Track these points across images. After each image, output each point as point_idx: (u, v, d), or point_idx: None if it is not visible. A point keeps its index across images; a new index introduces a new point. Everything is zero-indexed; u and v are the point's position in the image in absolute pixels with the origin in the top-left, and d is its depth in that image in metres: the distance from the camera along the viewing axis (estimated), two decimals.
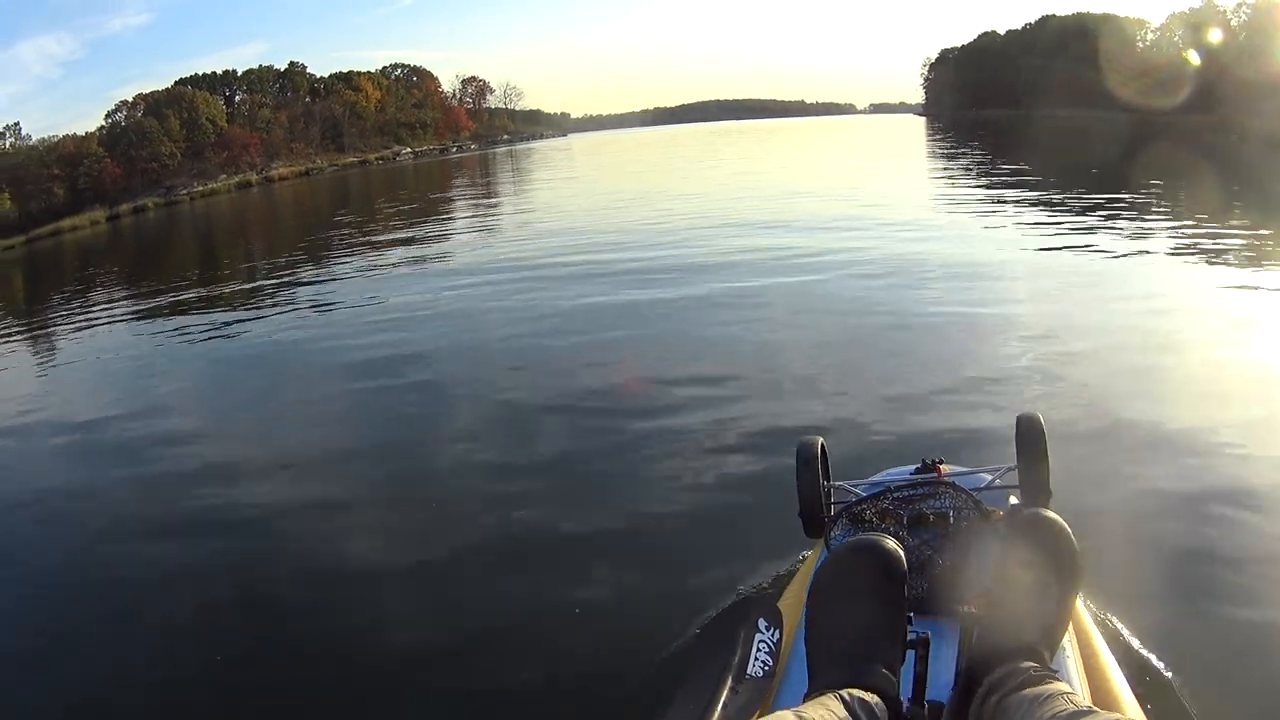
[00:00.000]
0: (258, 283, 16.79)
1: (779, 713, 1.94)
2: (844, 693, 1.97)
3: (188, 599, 5.17)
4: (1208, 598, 4.14)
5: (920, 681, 2.18)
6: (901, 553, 2.22)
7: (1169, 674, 3.52)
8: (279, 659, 4.52)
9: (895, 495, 3.15)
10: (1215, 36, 57.10)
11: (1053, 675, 2.02)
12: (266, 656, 4.55)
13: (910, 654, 2.18)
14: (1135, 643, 3.69)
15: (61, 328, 16.31)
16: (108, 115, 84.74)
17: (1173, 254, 12.87)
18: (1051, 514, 2.31)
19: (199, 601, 5.13)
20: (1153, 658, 3.62)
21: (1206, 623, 3.95)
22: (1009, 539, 2.30)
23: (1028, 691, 1.94)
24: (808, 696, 2.05)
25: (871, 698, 1.99)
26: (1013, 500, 3.40)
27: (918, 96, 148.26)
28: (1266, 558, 4.44)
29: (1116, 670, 2.67)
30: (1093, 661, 2.64)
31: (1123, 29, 75.44)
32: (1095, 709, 1.80)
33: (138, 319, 15.43)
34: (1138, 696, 2.62)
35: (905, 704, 2.12)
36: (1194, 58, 56.90)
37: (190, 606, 5.09)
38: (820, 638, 2.18)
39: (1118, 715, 1.76)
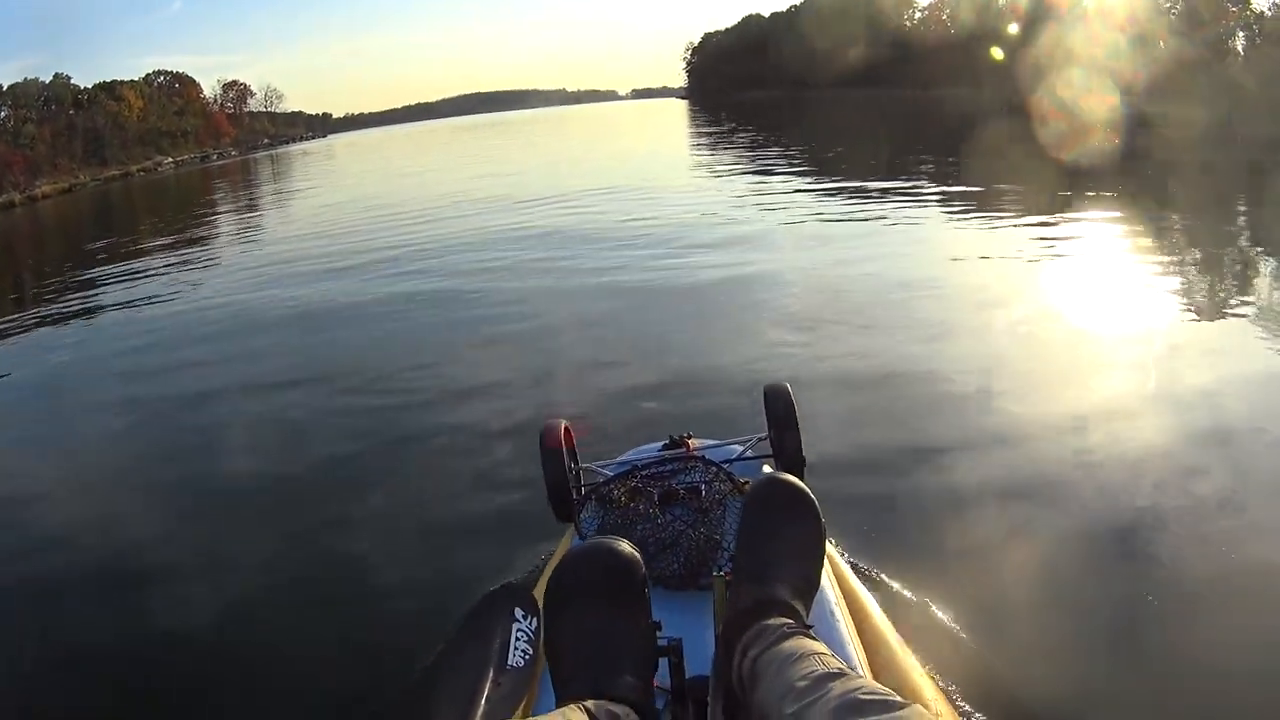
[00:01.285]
0: (18, 317, 15.53)
1: None
2: (589, 704, 1.86)
3: None
4: (966, 543, 4.42)
5: (678, 687, 2.15)
6: (638, 555, 2.12)
7: (940, 616, 3.74)
8: (70, 676, 4.35)
9: (644, 473, 3.23)
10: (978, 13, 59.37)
11: (805, 631, 2.01)
12: (63, 684, 4.31)
13: (663, 661, 2.12)
14: (902, 590, 3.92)
15: None
16: None
17: (937, 221, 14.04)
18: (785, 475, 2.36)
19: None
20: (922, 602, 3.84)
21: (966, 566, 4.20)
22: (748, 504, 2.34)
23: (781, 647, 1.92)
24: (557, 705, 1.92)
25: (620, 708, 1.90)
26: (766, 469, 3.38)
27: (680, 80, 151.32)
28: (1008, 493, 4.84)
29: (885, 621, 2.83)
30: (860, 614, 2.76)
31: (887, 7, 77.96)
32: (845, 670, 1.78)
33: None
34: (910, 644, 2.78)
35: (663, 699, 2.13)
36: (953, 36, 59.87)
37: None
38: (560, 651, 2.07)
39: (862, 680, 1.73)
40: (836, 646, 2.30)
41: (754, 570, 2.19)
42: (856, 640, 2.51)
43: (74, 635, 4.72)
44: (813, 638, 1.98)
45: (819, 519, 2.28)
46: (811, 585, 2.23)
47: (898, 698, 1.58)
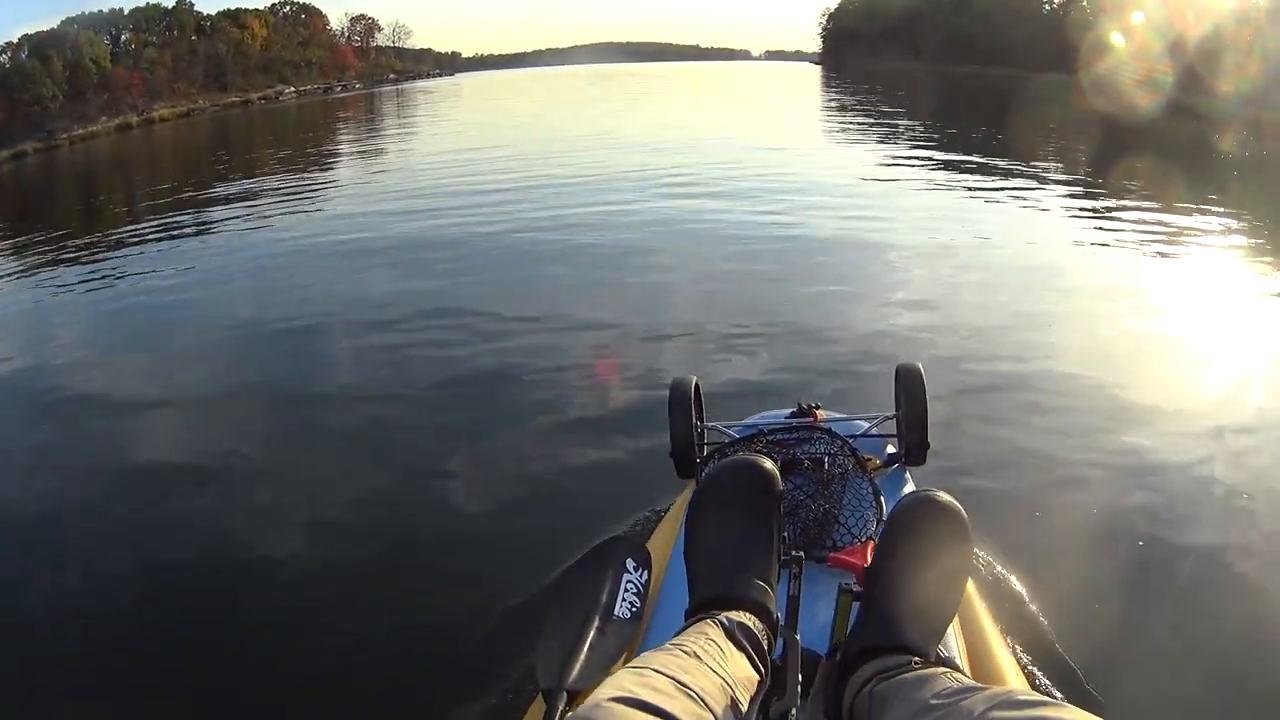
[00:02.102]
0: (136, 235, 16.14)
1: (655, 650, 1.83)
2: (722, 617, 1.94)
3: (68, 568, 4.95)
4: (1077, 546, 4.31)
5: (794, 602, 2.08)
6: (777, 472, 2.20)
7: (1041, 621, 3.65)
8: (166, 625, 4.34)
9: (769, 438, 3.19)
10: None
11: (936, 666, 1.90)
12: (152, 622, 4.37)
13: (785, 572, 2.14)
14: (1007, 586, 3.85)
15: None
16: None
17: (1060, 208, 13.60)
18: (943, 496, 2.18)
19: (80, 570, 4.90)
20: (1022, 600, 3.77)
21: (1075, 569, 4.08)
22: (896, 520, 2.17)
23: (908, 676, 1.83)
24: (687, 615, 2.05)
25: (749, 619, 1.97)
26: (890, 449, 3.36)
27: (814, 45, 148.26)
28: (1135, 506, 4.64)
29: (989, 618, 2.72)
30: (965, 607, 2.57)
31: None
32: (983, 685, 1.70)
33: (18, 273, 14.41)
34: (1010, 644, 2.76)
35: (780, 621, 2.07)
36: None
37: (70, 575, 4.87)
38: (698, 550, 2.16)
39: (1005, 688, 1.71)
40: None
41: (891, 600, 2.06)
42: (957, 629, 2.44)
43: (162, 569, 4.80)
44: (940, 669, 1.88)
45: (970, 554, 2.19)
46: (945, 624, 2.12)
47: (1052, 699, 1.54)
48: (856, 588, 2.16)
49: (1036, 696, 1.53)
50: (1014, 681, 2.41)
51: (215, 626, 4.22)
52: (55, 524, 5.43)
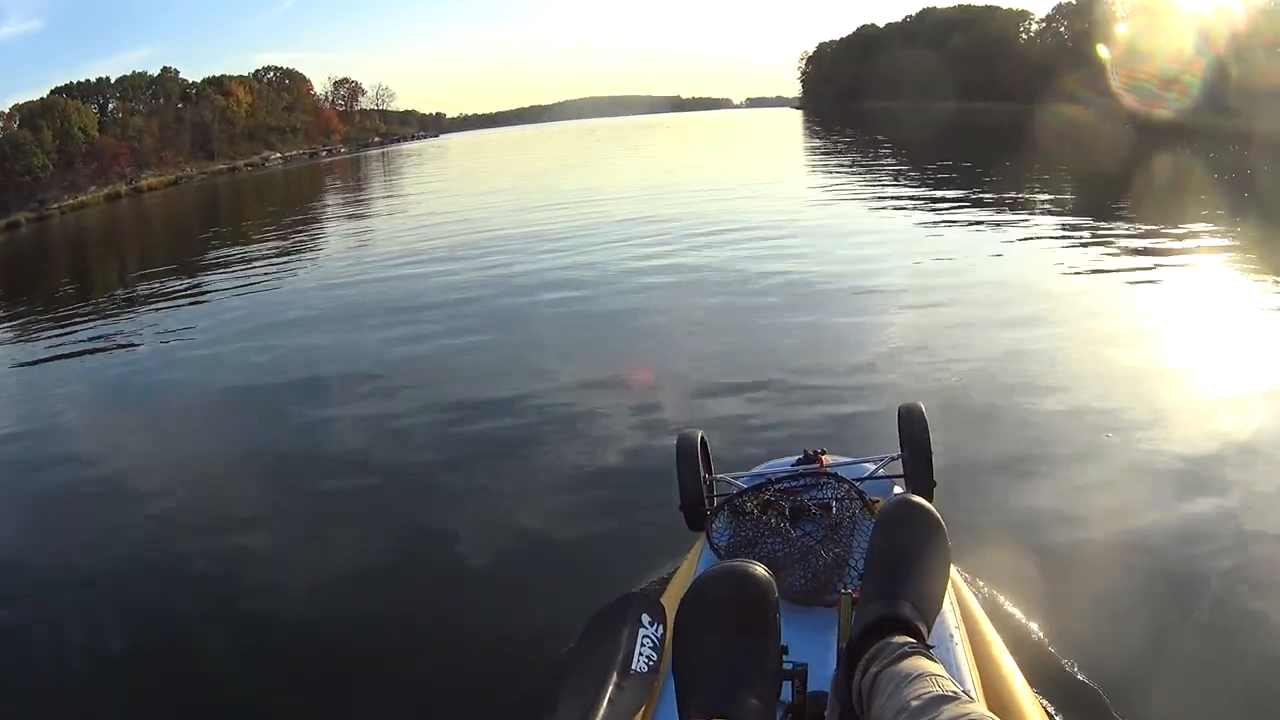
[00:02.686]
0: (132, 301, 16.84)
1: None
2: None
3: (74, 622, 5.14)
4: (1086, 572, 4.42)
5: (799, 712, 2.18)
6: (773, 579, 2.17)
7: (1057, 641, 3.77)
8: (199, 676, 4.49)
9: (777, 486, 3.26)
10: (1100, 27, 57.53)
11: (925, 651, 2.04)
12: (161, 672, 4.56)
13: (787, 684, 2.16)
14: (1019, 615, 3.93)
15: None
16: None
17: (1049, 240, 13.73)
18: (915, 498, 2.43)
19: (86, 627, 5.07)
20: (1034, 629, 3.86)
21: (1085, 594, 4.21)
22: (878, 523, 2.39)
23: (901, 666, 1.95)
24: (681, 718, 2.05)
25: None
26: (897, 490, 3.40)
27: (795, 90, 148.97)
28: (1140, 529, 4.75)
29: (1001, 645, 2.80)
30: (978, 636, 2.73)
31: (1004, 21, 76.80)
32: (959, 695, 1.82)
33: (12, 340, 15.08)
34: (1023, 670, 2.74)
35: None
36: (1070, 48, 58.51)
37: (75, 630, 5.04)
38: (688, 668, 2.12)
39: (973, 706, 1.77)
40: (952, 669, 2.31)
41: (880, 588, 2.22)
42: (972, 663, 2.50)
43: (177, 616, 5.03)
44: (931, 658, 2.02)
45: (945, 542, 2.34)
46: (935, 606, 2.26)
47: None
48: (855, 592, 2.32)
49: None
50: (1033, 716, 2.50)
51: (231, 688, 4.34)
52: (57, 587, 5.63)
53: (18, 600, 5.54)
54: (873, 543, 2.37)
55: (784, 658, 2.14)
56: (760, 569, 2.18)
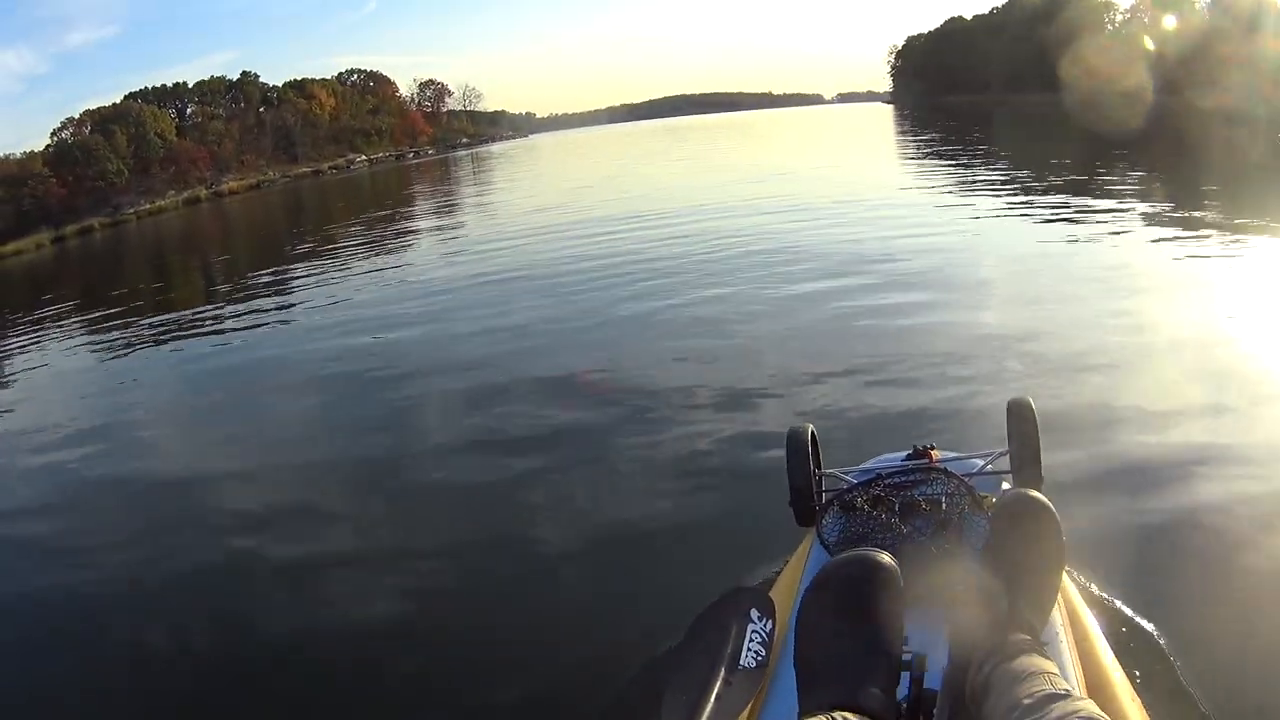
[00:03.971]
0: (214, 303, 17.18)
1: None
2: (834, 714, 1.89)
3: (162, 616, 5.16)
4: (1195, 571, 4.17)
5: (914, 703, 2.09)
6: (897, 566, 2.16)
7: (1161, 642, 3.58)
8: (263, 673, 4.49)
9: (886, 482, 3.17)
10: (1177, 20, 57.04)
11: (1039, 648, 2.06)
12: (249, 672, 4.52)
13: (905, 675, 2.10)
14: (1126, 613, 3.74)
15: (12, 355, 15.82)
16: (54, 134, 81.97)
17: (1152, 236, 12.99)
18: (1034, 493, 2.34)
19: (172, 619, 5.10)
20: (1143, 626, 3.68)
21: (1192, 593, 3.96)
22: (994, 520, 2.36)
23: (1014, 664, 1.96)
24: (801, 711, 2.01)
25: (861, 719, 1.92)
26: (1005, 485, 3.32)
27: (885, 85, 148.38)
28: (1250, 529, 4.45)
29: (1105, 645, 2.68)
30: (1082, 635, 2.64)
31: (1090, 11, 74.99)
32: (1071, 692, 1.83)
33: (93, 345, 15.32)
34: (1127, 670, 2.65)
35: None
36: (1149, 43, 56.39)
37: (164, 624, 5.07)
38: (808, 658, 2.10)
39: (1083, 703, 1.76)
40: (1057, 666, 2.20)
41: (996, 583, 2.21)
42: (1076, 662, 2.47)
43: (252, 615, 5.08)
44: (1045, 655, 2.06)
45: (1061, 538, 2.30)
46: (1048, 602, 2.28)
47: None
48: (964, 590, 2.23)
49: (1101, 718, 1.68)
50: (1116, 681, 2.46)
51: (309, 688, 4.33)
52: (135, 581, 5.65)
53: (95, 591, 5.62)
54: (990, 536, 2.35)
55: (904, 647, 2.12)
56: (886, 556, 2.18)
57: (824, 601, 2.13)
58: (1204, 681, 3.36)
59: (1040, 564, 2.23)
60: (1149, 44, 56.43)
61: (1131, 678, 2.65)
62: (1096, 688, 2.41)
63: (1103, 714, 1.68)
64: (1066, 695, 1.78)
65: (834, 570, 2.18)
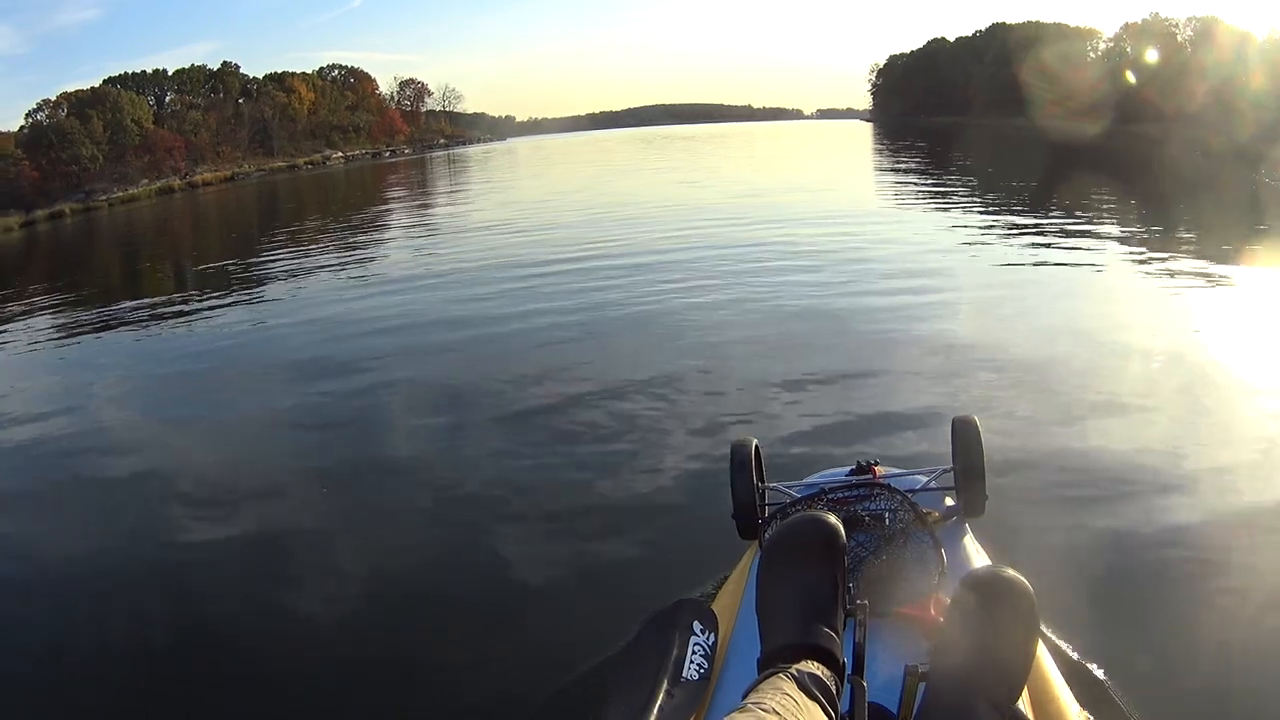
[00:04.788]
0: (185, 294, 17.16)
1: (736, 712, 1.90)
2: (794, 669, 2.02)
3: (126, 616, 5.11)
4: (1145, 611, 4.19)
5: (859, 649, 2.20)
6: (840, 526, 2.29)
7: (1107, 681, 3.56)
8: (234, 671, 4.49)
9: (830, 497, 3.24)
10: (1158, 54, 58.26)
11: None
12: (221, 669, 4.52)
13: (850, 621, 2.25)
14: (1072, 640, 3.74)
15: None
16: (28, 115, 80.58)
17: (1112, 260, 13.77)
18: (1008, 571, 2.28)
19: (139, 618, 5.06)
20: (1092, 667, 3.64)
21: (1141, 633, 3.97)
22: (961, 598, 2.27)
23: None
24: (759, 664, 2.14)
25: (820, 670, 2.06)
26: (948, 502, 3.41)
27: (865, 102, 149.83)
28: (1204, 571, 4.48)
29: (1058, 677, 2.68)
30: (1042, 685, 2.60)
31: (1073, 39, 76.56)
32: None
33: (56, 332, 15.25)
34: (1079, 700, 2.67)
35: (847, 669, 2.17)
36: (1130, 76, 58.00)
37: (129, 623, 5.03)
38: (768, 604, 2.26)
39: None
40: None
41: (957, 679, 2.15)
42: (1025, 696, 2.42)
43: (218, 610, 5.11)
44: None
45: (1037, 628, 2.25)
46: (1017, 686, 2.21)
47: None
48: (924, 668, 2.19)
49: None
50: None
51: (275, 695, 4.29)
52: (98, 577, 5.62)
53: (60, 590, 5.57)
54: (951, 617, 2.28)
55: (848, 597, 2.27)
56: (831, 516, 2.34)
57: (775, 557, 2.30)
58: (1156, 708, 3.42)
59: (1010, 660, 2.18)
60: (1130, 77, 57.17)
61: (1082, 701, 2.71)
62: (1042, 706, 2.48)
63: None
64: None
65: (784, 529, 2.37)
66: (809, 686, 1.97)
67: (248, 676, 4.41)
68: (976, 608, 2.20)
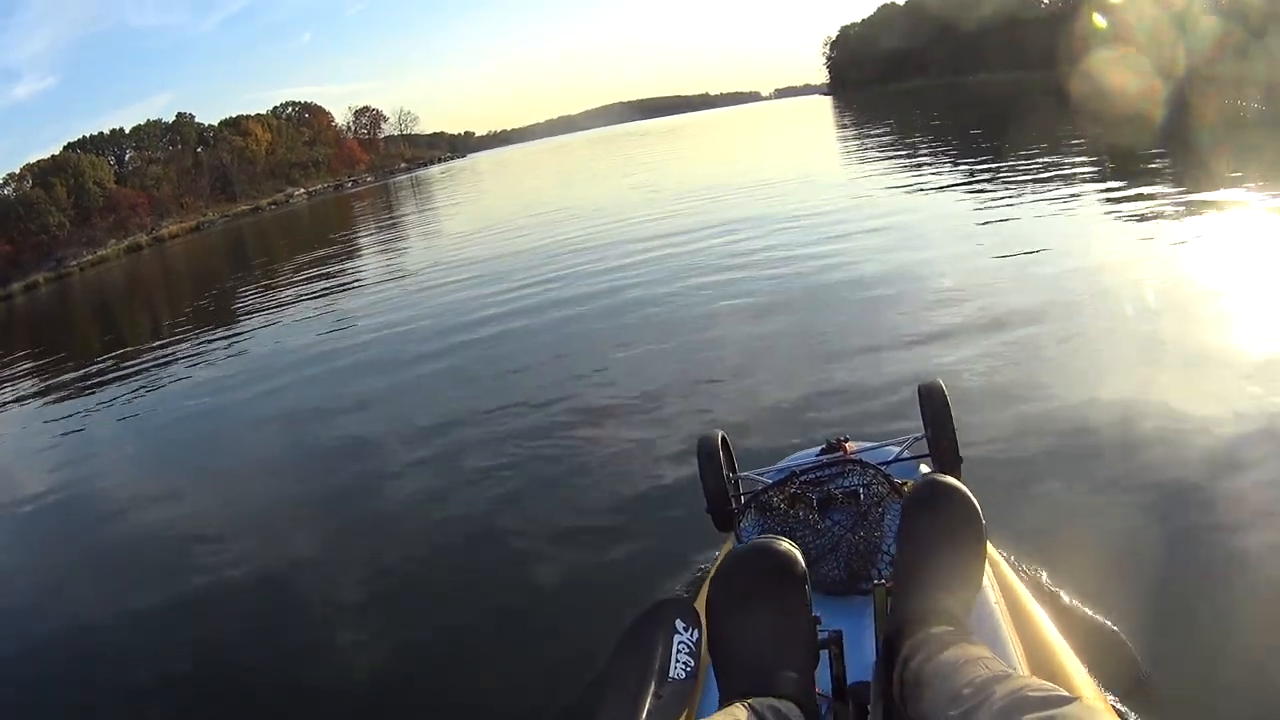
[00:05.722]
0: (165, 351, 16.66)
1: None
2: (753, 701, 1.93)
3: (145, 667, 5.07)
4: (1125, 542, 4.18)
5: (840, 680, 2.19)
6: (797, 552, 2.16)
7: (1097, 616, 3.58)
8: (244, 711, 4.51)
9: (802, 479, 3.17)
10: None
11: (966, 637, 2.02)
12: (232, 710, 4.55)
13: (825, 654, 2.16)
14: (1059, 584, 3.77)
15: None
16: None
17: (1079, 214, 12.83)
18: (947, 478, 2.33)
19: (158, 671, 5.02)
20: (1078, 603, 3.68)
21: (1126, 562, 3.98)
22: (908, 508, 2.32)
23: (944, 656, 1.91)
24: (721, 705, 2.03)
25: (782, 703, 1.96)
26: (923, 469, 3.37)
27: (822, 77, 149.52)
28: (1171, 498, 4.48)
29: (1045, 618, 2.70)
30: (1019, 612, 2.66)
31: None
32: (1010, 671, 1.79)
33: (49, 400, 15.06)
34: (1070, 639, 2.66)
35: (825, 704, 2.15)
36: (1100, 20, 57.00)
37: (149, 675, 4.99)
38: (723, 651, 2.14)
39: (1026, 679, 1.73)
40: (996, 647, 2.29)
41: (914, 576, 2.20)
42: (1016, 640, 2.49)
43: (226, 651, 5.08)
44: (974, 642, 2.01)
45: (979, 520, 2.27)
46: (972, 588, 2.24)
47: (1062, 692, 1.62)
48: (888, 583, 2.26)
49: (1055, 693, 1.59)
50: (1082, 686, 2.38)
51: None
52: (109, 629, 5.58)
53: (74, 643, 5.54)
54: (901, 528, 2.31)
55: (818, 628, 2.14)
56: (783, 543, 2.18)
57: (727, 593, 2.15)
58: (1141, 642, 3.44)
59: (958, 550, 2.20)
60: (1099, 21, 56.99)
61: (1075, 647, 2.65)
62: (1040, 663, 2.44)
63: (1049, 684, 1.65)
64: (1007, 675, 1.75)
65: (731, 563, 2.19)
66: (765, 716, 1.90)
67: (258, 705, 4.45)
68: (919, 511, 2.24)
